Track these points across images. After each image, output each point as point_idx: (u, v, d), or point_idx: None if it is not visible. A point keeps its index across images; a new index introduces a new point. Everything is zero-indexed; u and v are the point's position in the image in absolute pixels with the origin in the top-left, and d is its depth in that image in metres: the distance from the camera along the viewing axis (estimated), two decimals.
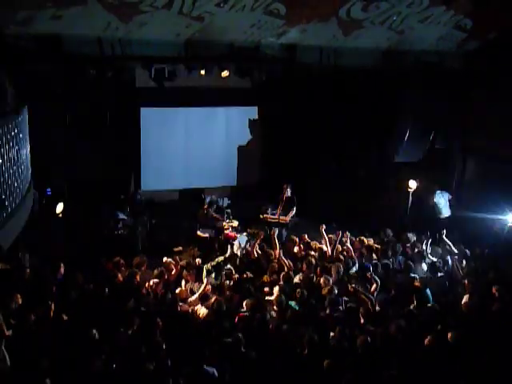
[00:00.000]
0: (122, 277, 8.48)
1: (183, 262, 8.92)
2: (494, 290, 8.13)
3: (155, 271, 8.49)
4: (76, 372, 5.91)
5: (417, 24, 9.97)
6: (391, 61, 10.85)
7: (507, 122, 11.12)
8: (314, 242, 10.16)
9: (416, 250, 9.90)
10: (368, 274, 8.51)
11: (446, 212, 11.74)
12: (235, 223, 11.61)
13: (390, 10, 9.47)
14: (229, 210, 12.01)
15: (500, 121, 11.38)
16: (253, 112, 13.76)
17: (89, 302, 7.59)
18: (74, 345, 6.36)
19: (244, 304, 7.49)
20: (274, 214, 11.76)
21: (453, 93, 11.76)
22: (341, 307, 7.57)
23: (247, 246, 10.46)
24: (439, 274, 9.04)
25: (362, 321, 7.27)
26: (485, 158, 11.71)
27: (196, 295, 8.01)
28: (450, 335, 6.70)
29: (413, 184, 12.16)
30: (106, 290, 7.92)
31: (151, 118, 13.04)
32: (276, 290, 8.01)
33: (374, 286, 8.25)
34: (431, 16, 9.80)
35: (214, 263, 9.27)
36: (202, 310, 7.62)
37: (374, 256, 9.78)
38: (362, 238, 10.39)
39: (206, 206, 12.15)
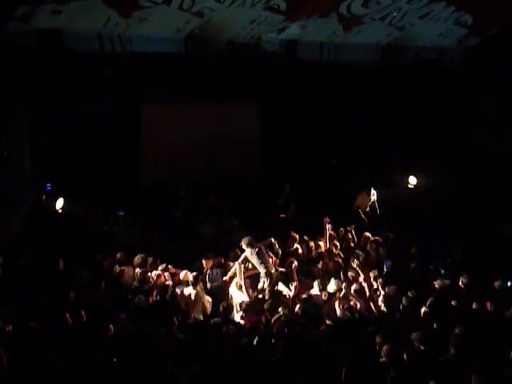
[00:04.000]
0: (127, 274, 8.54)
1: None
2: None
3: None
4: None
5: (417, 20, 9.97)
6: (391, 57, 10.84)
7: (508, 118, 11.11)
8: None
9: None
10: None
11: None
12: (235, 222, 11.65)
13: (391, 5, 9.47)
14: (228, 207, 11.98)
15: (500, 117, 11.37)
16: (253, 108, 13.74)
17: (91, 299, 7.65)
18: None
19: None
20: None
21: (453, 89, 11.75)
22: None
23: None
24: None
25: None
26: (485, 154, 11.68)
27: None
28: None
29: (413, 180, 12.17)
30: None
31: (151, 114, 13.02)
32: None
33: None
34: (431, 12, 9.79)
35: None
36: None
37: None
38: (366, 234, 10.37)
39: (206, 204, 12.16)
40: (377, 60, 10.90)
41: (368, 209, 11.83)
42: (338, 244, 9.95)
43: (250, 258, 8.86)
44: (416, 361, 6.20)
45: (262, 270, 8.64)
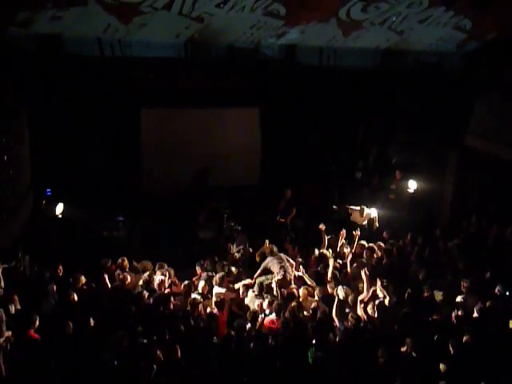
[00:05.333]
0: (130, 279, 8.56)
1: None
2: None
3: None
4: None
5: (416, 24, 9.95)
6: (391, 61, 10.84)
7: (507, 123, 11.11)
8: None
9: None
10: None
11: None
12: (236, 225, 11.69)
13: (390, 10, 9.45)
14: (228, 211, 11.99)
15: (500, 121, 11.37)
16: (253, 113, 13.76)
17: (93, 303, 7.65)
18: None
19: None
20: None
21: (452, 93, 11.76)
22: None
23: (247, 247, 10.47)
24: None
25: None
26: (484, 159, 11.67)
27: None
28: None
29: (412, 184, 12.16)
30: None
31: (152, 119, 13.04)
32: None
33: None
34: (431, 16, 9.77)
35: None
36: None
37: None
38: (362, 242, 10.35)
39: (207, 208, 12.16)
40: (376, 64, 10.89)
41: (365, 223, 11.53)
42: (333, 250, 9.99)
43: (270, 264, 9.16)
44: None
45: (278, 275, 8.81)
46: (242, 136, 13.70)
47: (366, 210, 11.37)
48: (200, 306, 7.92)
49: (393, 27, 9.98)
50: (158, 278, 8.67)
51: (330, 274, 8.99)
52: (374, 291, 8.18)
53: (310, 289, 8.65)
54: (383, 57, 10.79)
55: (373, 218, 11.31)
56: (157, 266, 9.08)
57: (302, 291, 8.51)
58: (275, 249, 9.42)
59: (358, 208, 11.45)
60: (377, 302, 7.88)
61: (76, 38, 8.95)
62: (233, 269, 9.26)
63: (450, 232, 11.04)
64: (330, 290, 8.56)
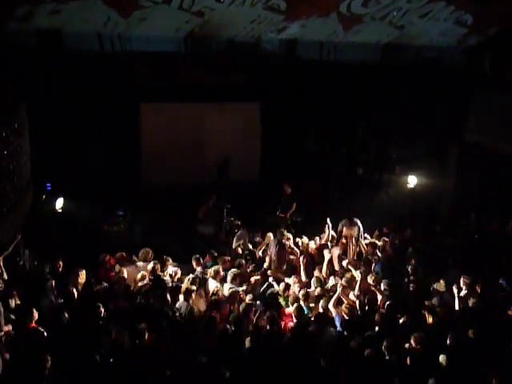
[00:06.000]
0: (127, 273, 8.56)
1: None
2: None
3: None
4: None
5: (417, 19, 9.95)
6: (391, 56, 10.83)
7: (507, 118, 11.09)
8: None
9: None
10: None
11: None
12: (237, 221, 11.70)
13: (391, 5, 9.45)
14: (229, 206, 11.99)
15: (500, 117, 11.35)
16: (253, 108, 13.74)
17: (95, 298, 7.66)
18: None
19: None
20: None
21: (453, 88, 11.74)
22: None
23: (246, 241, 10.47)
24: None
25: None
26: (484, 156, 11.66)
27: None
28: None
29: (412, 180, 12.15)
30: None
31: (151, 114, 13.02)
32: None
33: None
34: (431, 11, 9.77)
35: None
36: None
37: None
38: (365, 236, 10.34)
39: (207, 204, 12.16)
40: (377, 59, 10.89)
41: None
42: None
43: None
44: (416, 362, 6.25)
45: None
46: (242, 130, 13.69)
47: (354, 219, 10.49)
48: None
49: (393, 22, 9.98)
50: (171, 269, 8.75)
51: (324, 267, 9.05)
52: (369, 286, 8.21)
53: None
54: (384, 51, 10.79)
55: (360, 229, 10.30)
56: (161, 260, 9.09)
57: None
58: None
59: (345, 219, 10.40)
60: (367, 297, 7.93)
61: (76, 32, 8.94)
62: (243, 261, 9.29)
63: (450, 228, 11.05)
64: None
